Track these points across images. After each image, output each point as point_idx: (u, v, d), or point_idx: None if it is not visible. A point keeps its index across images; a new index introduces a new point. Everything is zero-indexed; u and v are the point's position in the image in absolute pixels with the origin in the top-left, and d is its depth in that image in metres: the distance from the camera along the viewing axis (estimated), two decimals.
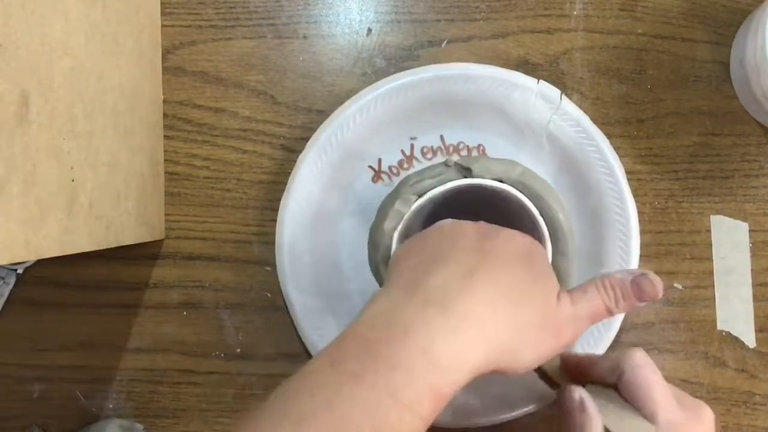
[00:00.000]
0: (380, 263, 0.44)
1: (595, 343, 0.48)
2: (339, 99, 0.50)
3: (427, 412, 0.31)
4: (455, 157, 0.46)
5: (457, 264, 0.35)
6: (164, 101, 0.52)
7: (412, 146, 0.50)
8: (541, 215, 0.42)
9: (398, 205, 0.43)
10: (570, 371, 0.41)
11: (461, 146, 0.50)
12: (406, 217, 0.43)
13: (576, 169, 0.49)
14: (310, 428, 0.29)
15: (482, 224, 0.39)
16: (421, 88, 0.49)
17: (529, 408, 0.48)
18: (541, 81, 0.48)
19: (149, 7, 0.51)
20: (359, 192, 0.50)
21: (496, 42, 0.51)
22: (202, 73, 0.52)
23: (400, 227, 0.43)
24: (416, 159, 0.50)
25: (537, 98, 0.48)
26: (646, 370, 0.37)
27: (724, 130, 0.51)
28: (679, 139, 0.51)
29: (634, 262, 0.48)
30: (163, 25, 0.52)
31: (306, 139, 0.50)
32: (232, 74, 0.52)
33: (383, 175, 0.50)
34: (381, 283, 0.44)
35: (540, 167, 0.48)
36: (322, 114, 0.50)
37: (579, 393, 0.37)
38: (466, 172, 0.42)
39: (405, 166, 0.50)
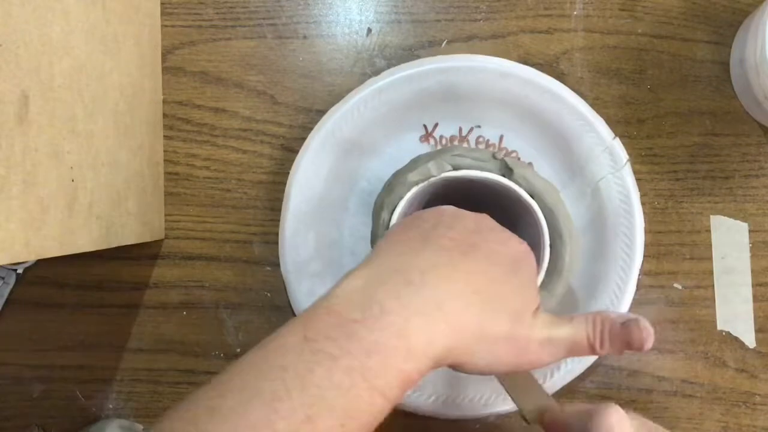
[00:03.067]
0: (383, 209, 0.43)
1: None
2: (339, 99, 0.50)
3: (395, 395, 0.31)
4: (502, 153, 0.46)
5: (444, 251, 0.35)
6: (164, 101, 0.52)
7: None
8: (549, 231, 0.42)
9: (431, 165, 0.43)
10: (549, 426, 0.39)
11: (511, 151, 0.50)
12: (430, 181, 0.42)
13: (601, 228, 0.49)
14: (283, 407, 0.29)
15: (484, 218, 0.38)
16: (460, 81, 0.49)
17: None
18: (617, 138, 0.48)
19: (149, 7, 0.51)
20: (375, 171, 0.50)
21: (496, 42, 0.51)
22: (202, 73, 0.52)
23: (417, 189, 0.42)
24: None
25: (605, 152, 0.48)
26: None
27: (724, 130, 0.51)
28: (679, 139, 0.51)
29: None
30: (163, 25, 0.52)
31: (306, 140, 0.50)
32: (232, 74, 0.52)
33: (431, 139, 0.50)
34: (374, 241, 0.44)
35: (571, 209, 0.48)
36: (322, 114, 0.50)
37: None
38: (508, 172, 0.42)
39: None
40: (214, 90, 0.52)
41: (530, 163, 0.49)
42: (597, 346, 0.36)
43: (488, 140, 0.50)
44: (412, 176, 0.43)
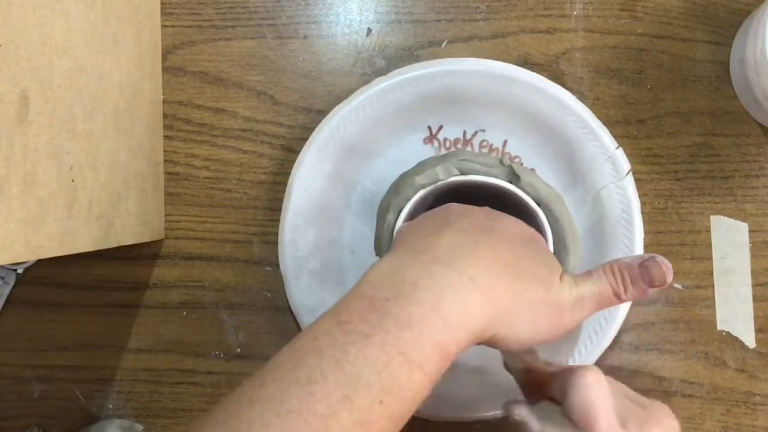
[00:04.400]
0: (389, 211, 0.43)
1: (597, 338, 0.48)
2: (339, 99, 0.50)
3: (434, 369, 0.31)
4: (508, 159, 0.46)
5: (465, 232, 0.35)
6: (164, 101, 0.52)
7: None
8: (553, 239, 0.42)
9: (439, 169, 0.43)
10: (532, 384, 0.40)
11: (514, 156, 0.50)
12: (437, 185, 0.42)
13: (600, 237, 0.49)
14: (320, 390, 0.29)
15: (490, 209, 0.39)
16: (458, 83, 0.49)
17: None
18: (620, 148, 0.48)
19: (149, 7, 0.51)
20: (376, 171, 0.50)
21: (496, 42, 0.51)
22: (202, 73, 0.52)
23: (423, 192, 0.42)
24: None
25: (607, 161, 0.48)
26: (592, 393, 0.35)
27: (724, 130, 0.51)
28: (679, 139, 0.51)
29: None
30: (163, 25, 0.52)
31: (306, 140, 0.50)
32: (232, 74, 0.52)
33: (435, 141, 0.50)
34: (379, 246, 0.44)
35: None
36: (322, 114, 0.50)
37: (521, 411, 0.37)
38: (515, 178, 0.42)
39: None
40: (214, 90, 0.52)
41: (533, 169, 0.49)
42: (622, 293, 0.37)
43: (492, 144, 0.50)
44: (420, 179, 0.43)
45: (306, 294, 0.50)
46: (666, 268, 0.36)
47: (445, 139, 0.50)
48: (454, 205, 0.39)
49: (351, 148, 0.49)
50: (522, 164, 0.50)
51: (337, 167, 0.50)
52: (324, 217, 0.50)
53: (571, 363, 0.48)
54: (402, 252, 0.34)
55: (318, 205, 0.50)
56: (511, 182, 0.42)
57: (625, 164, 0.48)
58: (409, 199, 0.43)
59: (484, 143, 0.50)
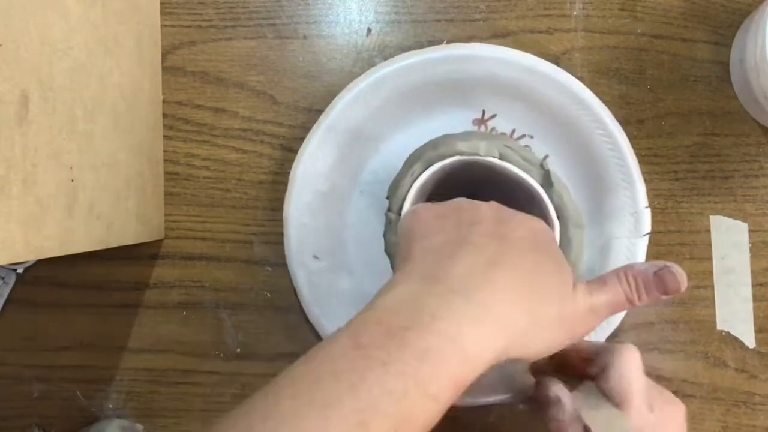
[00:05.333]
0: (419, 161, 0.43)
1: (596, 335, 0.48)
2: None
3: (448, 399, 0.31)
4: (548, 164, 0.46)
5: (478, 252, 0.35)
6: (164, 101, 0.52)
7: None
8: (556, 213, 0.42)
9: (482, 144, 0.42)
10: (562, 364, 0.41)
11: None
12: (473, 158, 0.42)
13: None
14: (335, 414, 0.29)
15: (498, 207, 0.39)
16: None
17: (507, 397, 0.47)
18: (648, 208, 0.48)
19: (149, 7, 0.51)
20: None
21: (496, 42, 0.51)
22: (202, 73, 0.52)
23: (453, 160, 0.42)
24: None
25: (632, 215, 0.48)
26: (632, 371, 0.37)
27: (724, 130, 0.51)
28: (679, 139, 0.51)
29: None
30: (163, 25, 0.52)
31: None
32: (232, 74, 0.52)
33: (483, 126, 0.50)
34: (394, 190, 0.44)
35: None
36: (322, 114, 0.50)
37: (555, 388, 0.37)
38: (547, 184, 0.42)
39: None
40: (214, 90, 0.52)
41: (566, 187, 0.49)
42: (635, 299, 0.37)
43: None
44: (461, 145, 0.42)
45: (315, 284, 0.49)
46: (680, 277, 0.37)
47: (493, 129, 0.50)
48: (463, 202, 0.39)
49: (357, 134, 0.49)
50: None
51: (342, 154, 0.49)
52: (329, 205, 0.50)
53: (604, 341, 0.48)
54: (417, 278, 0.34)
55: (323, 192, 0.49)
56: (542, 185, 0.42)
57: (647, 226, 0.48)
58: (443, 158, 0.42)
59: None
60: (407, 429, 0.30)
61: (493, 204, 0.39)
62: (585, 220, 0.44)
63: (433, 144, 0.44)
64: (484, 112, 0.50)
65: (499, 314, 0.33)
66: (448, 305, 0.32)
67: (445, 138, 0.44)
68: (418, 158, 0.43)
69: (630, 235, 0.48)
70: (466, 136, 0.43)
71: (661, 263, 0.37)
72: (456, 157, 0.43)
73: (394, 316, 0.32)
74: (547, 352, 0.35)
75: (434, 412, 0.30)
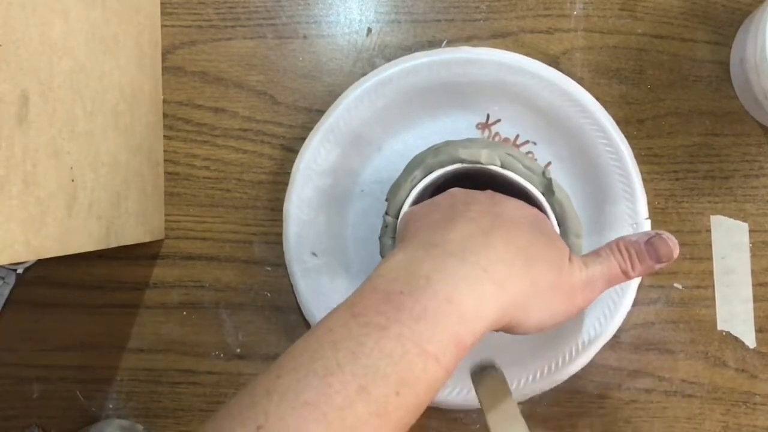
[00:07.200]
0: (418, 167, 0.43)
1: (611, 313, 0.48)
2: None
3: (450, 361, 0.31)
4: (550, 172, 0.46)
5: (473, 222, 0.35)
6: (164, 101, 0.52)
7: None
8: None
9: (484, 152, 0.42)
10: None
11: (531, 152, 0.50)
12: (473, 166, 0.42)
13: None
14: (336, 381, 0.29)
15: (493, 193, 0.39)
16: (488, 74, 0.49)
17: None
18: (649, 220, 0.48)
19: (149, 7, 0.51)
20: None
21: (496, 42, 0.51)
22: (202, 73, 0.52)
23: (455, 167, 0.42)
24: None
25: (632, 226, 0.48)
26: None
27: (724, 130, 0.51)
28: (679, 139, 0.51)
29: None
30: (163, 25, 0.52)
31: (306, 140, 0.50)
32: (232, 74, 0.52)
33: (486, 130, 0.50)
34: (393, 193, 0.44)
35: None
36: (322, 114, 0.50)
37: None
38: (548, 192, 0.42)
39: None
40: (214, 90, 0.52)
41: (548, 163, 0.49)
42: (629, 270, 0.37)
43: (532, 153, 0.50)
44: (463, 153, 0.42)
45: (312, 281, 0.49)
46: (672, 243, 0.38)
47: (497, 134, 0.50)
48: (457, 191, 0.39)
49: (359, 133, 0.49)
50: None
51: (344, 152, 0.49)
52: (329, 203, 0.50)
53: (585, 339, 0.48)
54: (413, 247, 0.35)
55: (324, 190, 0.49)
56: (543, 194, 0.42)
57: (647, 228, 0.48)
58: (444, 166, 0.42)
59: (531, 156, 0.50)
60: (410, 390, 0.30)
61: (489, 191, 0.39)
62: (583, 231, 0.44)
63: (435, 150, 0.44)
64: (488, 116, 0.50)
65: (496, 274, 0.33)
66: (443, 267, 0.32)
67: (447, 144, 0.44)
68: (418, 164, 0.44)
69: None
70: (468, 143, 0.43)
71: (652, 232, 0.38)
72: (457, 165, 0.43)
73: (391, 283, 0.32)
74: (549, 323, 0.35)
75: (436, 373, 0.31)
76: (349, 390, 0.29)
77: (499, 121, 0.50)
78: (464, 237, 0.34)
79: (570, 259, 0.37)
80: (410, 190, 0.43)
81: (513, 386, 0.47)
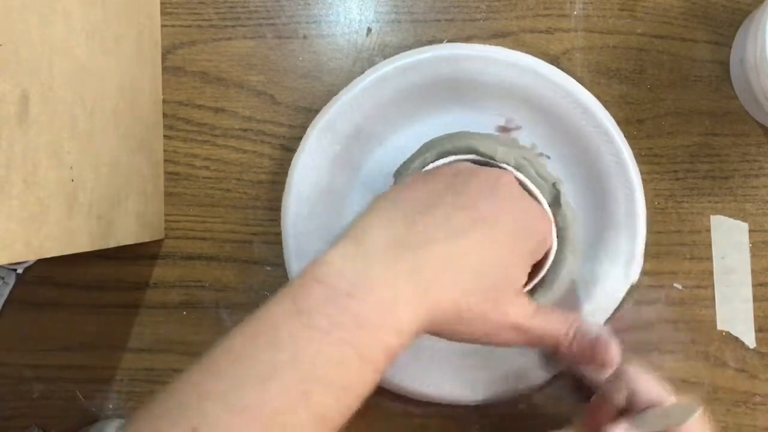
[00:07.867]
0: (432, 149, 0.43)
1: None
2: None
3: (382, 367, 0.32)
4: (561, 185, 0.46)
5: (449, 220, 0.35)
6: (164, 101, 0.52)
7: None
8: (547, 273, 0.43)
9: (500, 150, 0.42)
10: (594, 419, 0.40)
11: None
12: (465, 157, 0.42)
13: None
14: (276, 386, 0.29)
15: (506, 176, 0.39)
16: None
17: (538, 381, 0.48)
18: (642, 257, 0.48)
19: (149, 7, 0.51)
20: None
21: (496, 42, 0.51)
22: (202, 73, 0.52)
23: (448, 161, 0.42)
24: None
25: (623, 257, 0.47)
26: (643, 375, 0.39)
27: (724, 130, 0.51)
28: (679, 139, 0.51)
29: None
30: (163, 25, 0.52)
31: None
32: (232, 74, 0.52)
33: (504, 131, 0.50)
34: (399, 175, 0.45)
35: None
36: None
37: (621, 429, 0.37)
38: (555, 203, 0.42)
39: None
40: (214, 90, 0.52)
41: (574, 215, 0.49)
42: (564, 346, 0.38)
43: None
44: (480, 145, 0.42)
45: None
46: (609, 357, 0.38)
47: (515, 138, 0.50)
48: (463, 167, 0.39)
49: (357, 131, 0.49)
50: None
51: (343, 149, 0.49)
52: (328, 203, 0.50)
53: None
54: (369, 237, 0.34)
55: (322, 189, 0.49)
56: (550, 205, 0.42)
57: (637, 272, 0.48)
58: (453, 152, 0.43)
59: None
60: (347, 396, 0.31)
61: (504, 173, 0.39)
62: (581, 252, 0.44)
63: (450, 137, 0.44)
64: (508, 120, 0.49)
65: (436, 293, 0.33)
66: (393, 274, 0.33)
67: (464, 133, 0.44)
68: (432, 147, 0.44)
69: (618, 277, 0.48)
70: (486, 137, 0.44)
71: (605, 334, 0.38)
72: (471, 156, 0.43)
73: (337, 279, 0.32)
74: (465, 341, 0.36)
75: (372, 377, 0.31)
76: (291, 395, 0.29)
77: (520, 128, 0.49)
78: (422, 242, 0.34)
79: (517, 293, 0.37)
80: (420, 169, 0.43)
81: (508, 382, 0.47)
